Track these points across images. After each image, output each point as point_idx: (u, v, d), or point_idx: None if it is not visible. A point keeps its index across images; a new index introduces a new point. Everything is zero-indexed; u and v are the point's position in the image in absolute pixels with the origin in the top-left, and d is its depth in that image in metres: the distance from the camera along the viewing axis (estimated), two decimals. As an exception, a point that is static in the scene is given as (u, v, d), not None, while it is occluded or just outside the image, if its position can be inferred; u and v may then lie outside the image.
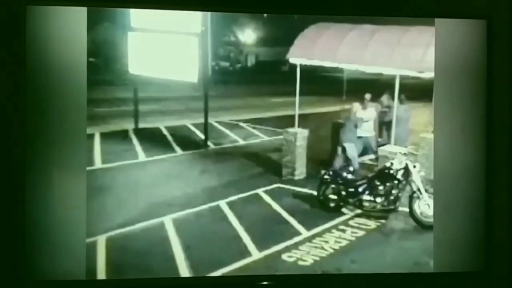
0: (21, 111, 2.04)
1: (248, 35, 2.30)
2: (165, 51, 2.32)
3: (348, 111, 2.51)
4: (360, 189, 2.46)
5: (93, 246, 2.10)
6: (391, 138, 2.49)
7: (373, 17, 2.35)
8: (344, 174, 2.50)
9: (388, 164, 2.45)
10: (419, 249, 2.26)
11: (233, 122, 2.50)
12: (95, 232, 2.11)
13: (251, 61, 2.46)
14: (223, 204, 2.33)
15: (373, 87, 2.49)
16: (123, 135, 2.28)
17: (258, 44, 2.34)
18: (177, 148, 2.42)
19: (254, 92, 2.54)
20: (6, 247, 2.12)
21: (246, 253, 2.20)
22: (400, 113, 2.48)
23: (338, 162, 2.54)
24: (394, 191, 2.44)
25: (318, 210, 2.41)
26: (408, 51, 2.35)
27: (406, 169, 2.43)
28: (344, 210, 2.43)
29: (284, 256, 2.22)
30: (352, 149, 2.54)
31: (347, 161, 2.53)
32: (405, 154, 2.44)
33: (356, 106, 2.50)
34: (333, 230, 2.34)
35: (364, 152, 2.57)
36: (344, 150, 2.54)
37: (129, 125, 2.33)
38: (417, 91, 2.40)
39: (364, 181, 2.48)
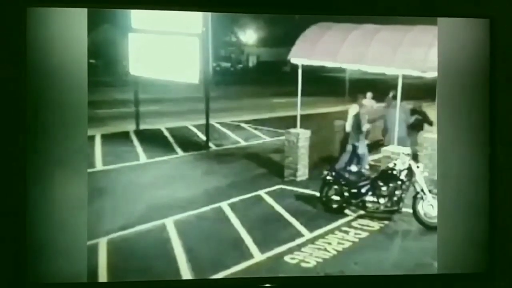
0: (21, 112, 2.04)
1: (249, 35, 2.29)
2: (166, 52, 2.32)
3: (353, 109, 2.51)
4: (363, 190, 2.45)
5: (94, 249, 2.09)
6: (394, 138, 2.48)
7: (375, 16, 2.34)
8: (347, 175, 2.49)
9: (391, 165, 2.44)
10: (423, 250, 2.24)
11: (234, 123, 2.49)
12: (96, 235, 2.10)
13: (252, 61, 2.46)
14: (225, 205, 2.32)
15: (376, 87, 2.48)
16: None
17: (259, 44, 2.33)
18: (178, 150, 2.41)
19: (255, 93, 2.54)
20: (7, 250, 2.12)
21: (248, 255, 2.19)
22: (399, 113, 2.48)
23: (346, 160, 2.53)
24: (397, 192, 2.42)
25: (321, 211, 2.40)
26: (411, 50, 2.34)
27: (409, 169, 2.42)
28: (347, 211, 2.42)
29: (287, 258, 2.21)
30: (362, 147, 2.53)
31: (357, 159, 2.52)
32: (408, 154, 2.43)
33: (367, 104, 2.49)
34: (336, 232, 2.33)
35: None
36: (354, 148, 2.53)
37: (130, 127, 2.33)
38: (420, 90, 2.39)
39: (367, 182, 2.47)
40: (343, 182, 2.46)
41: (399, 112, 2.47)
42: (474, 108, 2.24)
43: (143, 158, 2.33)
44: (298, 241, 2.26)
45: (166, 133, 2.45)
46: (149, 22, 2.24)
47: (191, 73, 2.30)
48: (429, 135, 2.37)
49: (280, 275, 2.18)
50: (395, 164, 2.43)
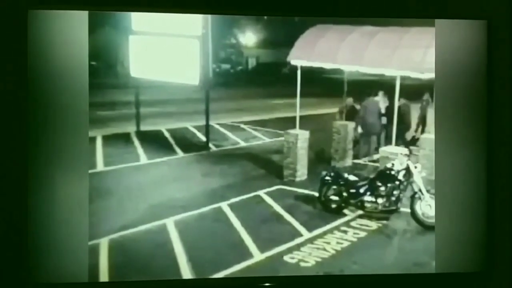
0: (23, 114, 2.05)
1: (248, 37, 2.31)
2: (166, 54, 2.33)
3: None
4: (362, 190, 2.46)
5: (95, 249, 2.10)
6: (392, 137, 2.50)
7: (373, 18, 2.36)
8: (346, 175, 2.51)
9: (389, 165, 2.45)
10: (421, 249, 2.25)
11: (234, 124, 2.51)
12: (98, 235, 2.11)
13: (252, 63, 2.47)
14: (224, 206, 2.33)
15: (374, 88, 2.50)
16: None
17: (258, 46, 2.34)
18: (178, 150, 2.43)
19: (255, 94, 2.56)
20: (9, 250, 2.13)
21: (248, 254, 2.20)
22: (371, 106, 2.52)
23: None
24: (395, 192, 2.44)
25: (320, 211, 2.41)
26: (409, 52, 2.35)
27: (407, 170, 2.43)
28: (345, 211, 2.43)
29: (286, 258, 2.22)
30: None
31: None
32: (406, 155, 2.44)
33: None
34: (335, 231, 2.34)
35: None
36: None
37: (131, 128, 2.34)
38: (417, 92, 2.41)
39: (365, 182, 2.48)
40: (341, 182, 2.47)
41: (372, 105, 2.54)
42: (471, 109, 2.25)
43: (143, 159, 2.34)
44: (297, 240, 2.28)
45: (167, 134, 2.46)
46: (149, 24, 2.25)
47: (191, 74, 2.32)
48: (427, 135, 2.38)
49: (280, 275, 2.19)
50: (393, 165, 2.44)
